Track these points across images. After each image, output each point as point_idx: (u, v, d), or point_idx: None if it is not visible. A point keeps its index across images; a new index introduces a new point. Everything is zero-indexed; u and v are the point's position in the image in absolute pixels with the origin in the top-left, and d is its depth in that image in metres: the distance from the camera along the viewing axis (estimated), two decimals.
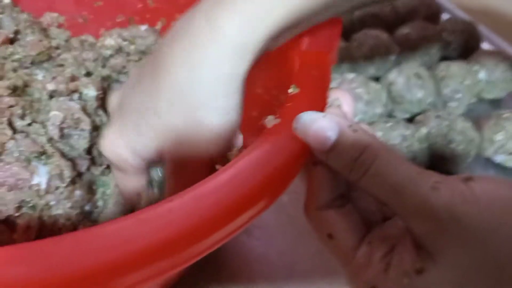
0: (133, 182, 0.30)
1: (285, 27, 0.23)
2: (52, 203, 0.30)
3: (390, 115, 0.48)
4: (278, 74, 0.29)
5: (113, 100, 0.32)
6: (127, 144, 0.28)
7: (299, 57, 0.27)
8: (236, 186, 0.18)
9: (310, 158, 0.22)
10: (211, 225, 0.17)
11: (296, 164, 0.21)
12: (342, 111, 0.25)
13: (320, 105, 0.24)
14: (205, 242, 0.17)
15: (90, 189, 0.32)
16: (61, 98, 0.32)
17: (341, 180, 0.23)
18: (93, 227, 0.16)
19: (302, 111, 0.22)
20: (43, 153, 0.30)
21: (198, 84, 0.23)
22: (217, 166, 0.21)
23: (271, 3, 0.22)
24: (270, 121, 0.22)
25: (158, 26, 0.40)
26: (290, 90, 0.24)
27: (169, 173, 0.28)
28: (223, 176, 0.18)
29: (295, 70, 0.27)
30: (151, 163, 0.29)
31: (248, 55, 0.23)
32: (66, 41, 0.39)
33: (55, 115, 0.30)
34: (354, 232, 0.22)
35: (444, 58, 0.58)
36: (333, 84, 0.49)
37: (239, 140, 0.27)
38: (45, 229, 0.30)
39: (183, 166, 0.26)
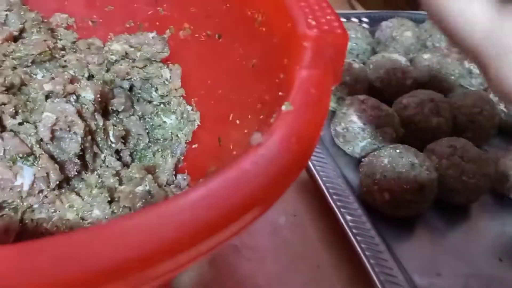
0: None
1: None
2: (35, 206, 0.29)
3: (401, 141, 0.46)
4: (277, 87, 0.28)
5: None
6: None
7: (299, 73, 0.26)
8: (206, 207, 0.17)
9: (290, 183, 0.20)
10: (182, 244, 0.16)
11: (272, 189, 0.19)
12: None
13: (312, 125, 0.23)
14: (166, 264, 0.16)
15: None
16: (57, 100, 0.31)
17: None
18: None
19: (290, 131, 0.21)
20: (30, 154, 0.29)
21: None
22: None
23: None
24: (256, 138, 0.21)
25: (167, 34, 0.39)
26: (283, 107, 0.23)
27: None
28: (194, 194, 0.17)
29: (294, 86, 0.25)
30: None
31: None
32: (73, 42, 0.39)
33: (47, 116, 0.30)
34: None
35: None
36: (344, 104, 0.48)
37: None
38: (26, 232, 0.29)
39: None
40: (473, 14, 0.21)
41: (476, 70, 0.58)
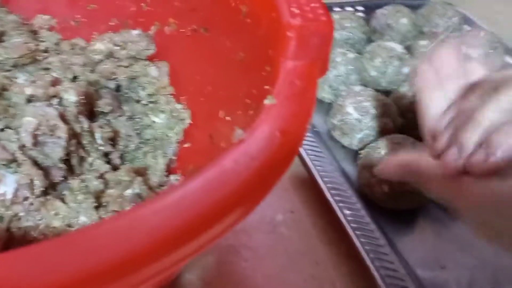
0: None
1: None
2: (21, 214, 0.28)
3: (400, 131, 0.45)
4: (264, 81, 0.27)
5: None
6: None
7: (284, 65, 0.25)
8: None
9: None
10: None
11: (257, 187, 0.18)
12: None
13: (298, 117, 0.22)
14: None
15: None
16: (38, 103, 0.30)
17: None
18: None
19: (274, 126, 0.20)
20: (13, 161, 0.28)
21: None
22: None
23: None
24: (238, 135, 0.20)
25: (152, 30, 0.38)
26: (266, 101, 0.22)
27: None
28: (168, 198, 0.16)
29: (279, 78, 0.24)
30: None
31: None
32: (56, 44, 0.38)
33: (28, 121, 0.29)
34: None
35: None
36: (341, 95, 0.47)
37: None
38: (14, 241, 0.29)
39: None
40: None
41: (475, 54, 0.56)
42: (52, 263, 0.14)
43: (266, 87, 0.26)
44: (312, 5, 0.26)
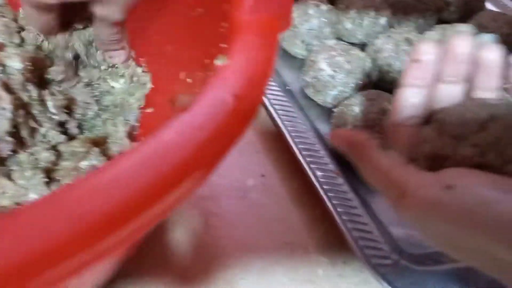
0: None
1: None
2: None
3: (375, 87, 0.43)
4: (221, 38, 0.24)
5: None
6: None
7: (240, 20, 0.23)
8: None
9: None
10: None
11: (206, 157, 0.16)
12: None
13: (254, 78, 0.20)
14: None
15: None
16: None
17: None
18: None
19: (225, 89, 0.18)
20: None
21: None
22: None
23: None
24: (182, 101, 0.18)
25: None
26: (218, 62, 0.20)
27: None
28: (105, 174, 0.14)
29: (234, 35, 0.22)
30: None
31: None
32: (1, 6, 0.34)
33: None
34: None
35: (442, 21, 0.52)
36: (314, 50, 0.44)
37: None
38: None
39: None
40: None
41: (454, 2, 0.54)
42: None
43: (223, 45, 0.24)
44: None
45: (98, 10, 0.30)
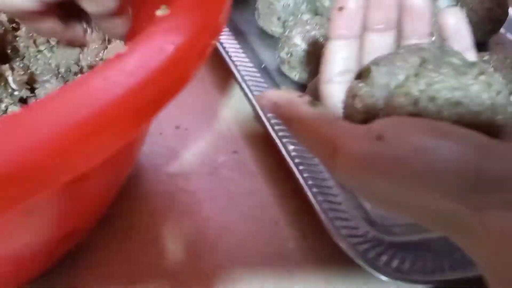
0: None
1: None
2: None
3: None
4: None
5: None
6: None
7: None
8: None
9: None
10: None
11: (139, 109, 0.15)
12: None
13: (201, 30, 0.19)
14: None
15: None
16: None
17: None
18: None
19: (164, 40, 0.17)
20: None
21: None
22: None
23: None
24: (115, 47, 0.17)
25: None
26: (158, 12, 0.19)
27: None
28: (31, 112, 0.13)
29: None
30: None
31: None
32: None
33: None
34: None
35: None
36: (288, 25, 0.43)
37: None
38: None
39: None
40: None
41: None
42: None
43: None
44: None
45: (88, 6, 0.26)
